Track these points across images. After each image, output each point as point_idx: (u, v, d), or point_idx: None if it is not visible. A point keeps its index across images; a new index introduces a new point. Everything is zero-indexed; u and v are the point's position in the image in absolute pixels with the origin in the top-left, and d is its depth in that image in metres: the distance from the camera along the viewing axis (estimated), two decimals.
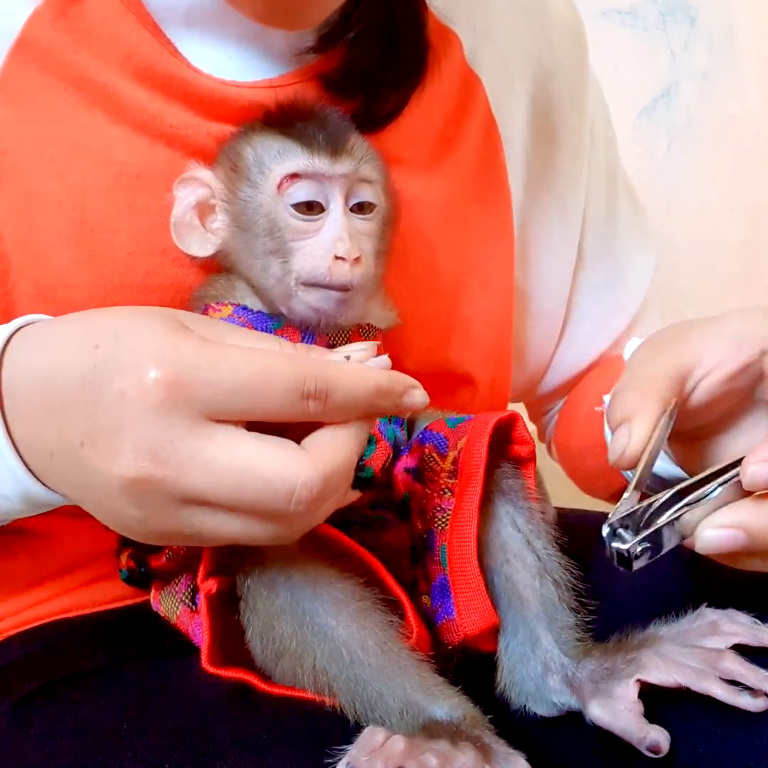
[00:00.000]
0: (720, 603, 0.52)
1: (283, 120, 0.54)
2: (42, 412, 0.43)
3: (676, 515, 0.43)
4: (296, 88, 0.60)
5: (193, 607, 0.52)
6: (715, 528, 0.42)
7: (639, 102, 1.49)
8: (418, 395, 0.45)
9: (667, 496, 0.44)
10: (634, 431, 0.46)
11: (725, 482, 0.44)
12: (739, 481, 0.43)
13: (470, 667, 0.51)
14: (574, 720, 0.49)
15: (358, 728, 0.45)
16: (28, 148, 0.57)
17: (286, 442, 0.42)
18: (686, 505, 0.43)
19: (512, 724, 0.49)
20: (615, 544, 0.42)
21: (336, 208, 0.52)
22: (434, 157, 0.66)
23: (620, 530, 0.43)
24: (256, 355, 0.41)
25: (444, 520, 0.52)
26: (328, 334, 0.55)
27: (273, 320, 0.54)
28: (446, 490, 0.53)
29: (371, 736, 0.43)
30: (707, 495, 0.44)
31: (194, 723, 0.48)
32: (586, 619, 0.51)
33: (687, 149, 1.52)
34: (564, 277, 0.76)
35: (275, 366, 0.41)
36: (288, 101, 0.56)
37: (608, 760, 0.47)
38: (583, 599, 0.52)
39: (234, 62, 0.59)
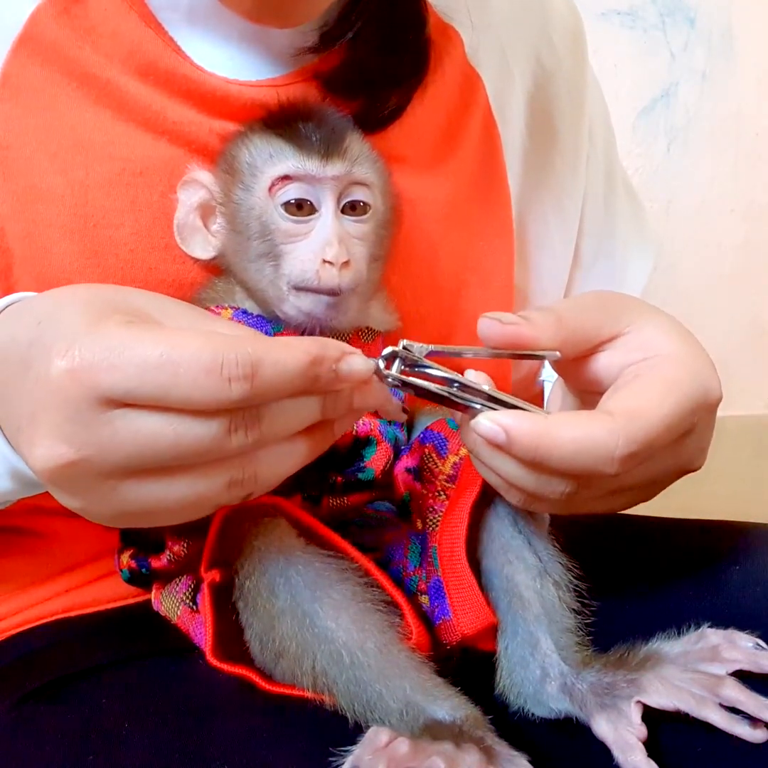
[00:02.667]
0: (721, 604, 0.52)
1: (281, 121, 0.54)
2: (2, 386, 0.42)
3: (432, 388, 0.44)
4: (298, 87, 0.59)
5: (194, 607, 0.52)
6: (490, 420, 0.43)
7: (638, 102, 1.49)
8: (357, 362, 0.41)
9: (451, 376, 0.44)
10: (529, 323, 0.45)
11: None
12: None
13: (470, 667, 0.51)
14: (572, 722, 0.49)
15: (359, 726, 0.45)
16: (31, 142, 0.57)
17: (210, 332, 0.39)
18: (452, 395, 0.44)
19: (511, 724, 0.49)
20: (385, 354, 0.44)
21: (327, 211, 0.52)
22: (436, 156, 0.66)
23: (402, 356, 0.44)
24: (166, 335, 0.38)
25: (435, 521, 0.52)
26: (327, 336, 0.54)
27: (272, 324, 0.54)
28: (442, 493, 0.53)
29: (375, 736, 0.43)
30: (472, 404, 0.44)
31: (195, 722, 0.48)
32: (586, 621, 0.51)
33: (687, 149, 1.52)
34: (560, 276, 0.76)
35: (185, 346, 0.37)
36: (288, 102, 0.55)
37: (607, 762, 0.47)
38: (583, 600, 0.51)
39: (236, 61, 0.59)
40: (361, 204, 0.53)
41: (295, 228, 0.52)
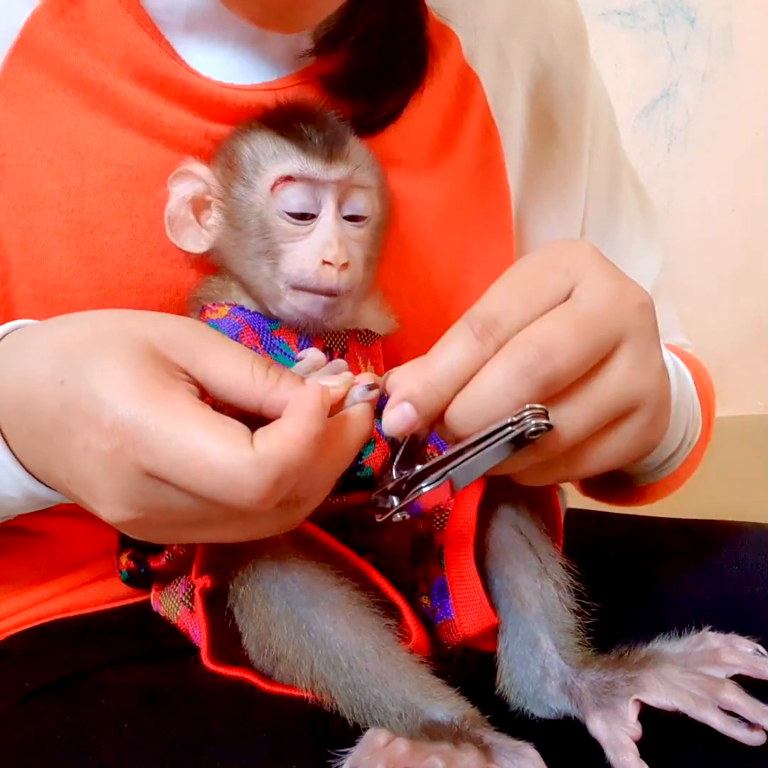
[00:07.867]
0: (720, 604, 0.52)
1: (281, 120, 0.54)
2: (27, 437, 0.45)
3: (437, 480, 0.45)
4: (295, 90, 0.59)
5: (193, 608, 0.52)
6: (388, 410, 0.45)
7: (639, 102, 1.50)
8: (360, 407, 0.46)
9: (436, 461, 0.45)
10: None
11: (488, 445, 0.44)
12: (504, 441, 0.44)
13: (471, 667, 0.51)
14: (572, 722, 0.49)
15: (358, 727, 0.45)
16: (28, 149, 0.57)
17: (237, 434, 0.40)
18: (440, 473, 0.45)
19: (511, 723, 0.49)
20: (380, 507, 0.46)
21: (328, 212, 0.52)
22: (433, 158, 0.66)
23: (383, 497, 0.47)
24: (191, 438, 0.39)
25: (442, 520, 0.52)
26: (324, 337, 0.54)
27: (270, 321, 0.54)
28: None
29: (374, 737, 0.43)
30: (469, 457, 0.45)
31: (195, 722, 0.48)
32: (586, 621, 0.51)
33: (687, 149, 1.52)
34: None
35: (206, 458, 0.39)
36: (287, 101, 0.56)
37: (607, 762, 0.47)
38: (584, 601, 0.52)
39: (232, 65, 0.59)
40: (359, 215, 0.53)
41: (295, 228, 0.52)
